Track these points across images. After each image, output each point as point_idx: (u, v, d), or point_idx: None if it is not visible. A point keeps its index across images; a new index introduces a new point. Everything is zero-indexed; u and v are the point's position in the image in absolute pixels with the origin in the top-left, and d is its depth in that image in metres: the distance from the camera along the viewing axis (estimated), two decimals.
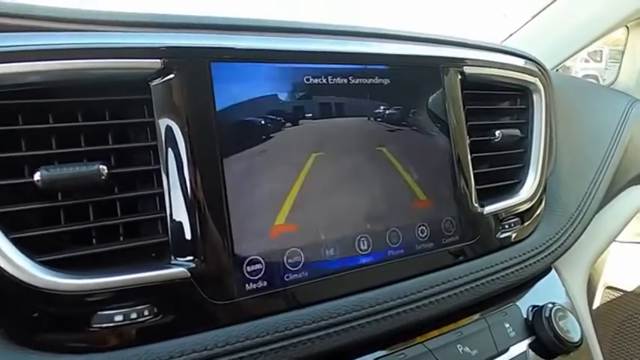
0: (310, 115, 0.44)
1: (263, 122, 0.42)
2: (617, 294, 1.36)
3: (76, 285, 0.34)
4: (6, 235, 0.33)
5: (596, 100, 0.93)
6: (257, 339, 0.38)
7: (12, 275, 0.32)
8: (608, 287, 1.37)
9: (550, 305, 0.52)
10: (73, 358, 0.33)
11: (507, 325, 0.51)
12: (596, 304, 1.40)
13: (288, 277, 0.41)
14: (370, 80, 0.48)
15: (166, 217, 0.38)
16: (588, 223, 0.66)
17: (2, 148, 0.34)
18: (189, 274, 0.37)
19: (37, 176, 0.34)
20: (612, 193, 0.82)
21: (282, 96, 0.43)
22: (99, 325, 0.34)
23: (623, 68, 1.25)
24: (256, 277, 0.40)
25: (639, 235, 1.31)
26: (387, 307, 0.44)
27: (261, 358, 0.38)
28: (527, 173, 0.60)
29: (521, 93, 0.63)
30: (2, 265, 0.32)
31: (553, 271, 0.63)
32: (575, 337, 0.50)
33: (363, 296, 0.44)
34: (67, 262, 0.35)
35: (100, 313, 0.34)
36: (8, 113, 0.35)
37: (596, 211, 0.70)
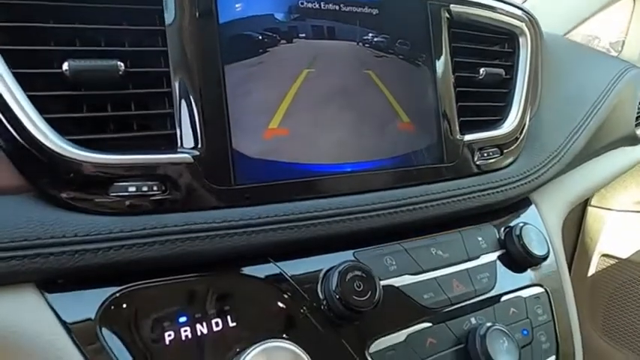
0: (304, 35, 0.50)
1: (261, 37, 0.47)
2: (612, 261, 1.39)
3: (100, 158, 0.40)
4: (41, 114, 0.39)
5: (591, 61, 0.97)
6: (250, 220, 0.44)
7: (47, 147, 0.38)
8: (604, 255, 1.41)
9: (521, 224, 0.57)
10: (94, 218, 0.39)
11: (480, 239, 0.56)
12: (591, 271, 1.44)
13: (278, 174, 0.47)
14: (360, 9, 0.53)
15: (174, 113, 0.44)
16: (568, 165, 0.71)
17: (35, 42, 0.40)
18: (192, 160, 0.43)
19: (65, 66, 0.40)
20: (597, 147, 0.86)
21: (279, 16, 0.48)
22: (116, 194, 0.40)
23: (629, 39, 1.27)
24: (250, 170, 0.45)
25: (637, 203, 1.34)
26: (367, 209, 0.49)
27: (253, 236, 0.44)
28: (510, 111, 0.65)
29: (508, 37, 0.67)
30: (39, 138, 0.38)
31: (532, 204, 0.68)
32: (542, 251, 0.55)
33: (344, 199, 0.49)
34: (90, 143, 0.41)
35: (116, 183, 0.40)
36: (38, 12, 0.41)
37: (578, 157, 0.75)
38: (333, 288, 0.43)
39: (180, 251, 0.41)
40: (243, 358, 0.35)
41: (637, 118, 1.02)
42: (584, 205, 1.45)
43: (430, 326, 0.47)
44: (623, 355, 1.31)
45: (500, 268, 0.55)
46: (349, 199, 0.49)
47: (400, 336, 0.45)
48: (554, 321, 0.53)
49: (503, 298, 0.52)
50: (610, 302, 1.35)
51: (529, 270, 0.57)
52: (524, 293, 0.54)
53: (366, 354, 0.42)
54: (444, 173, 0.56)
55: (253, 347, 0.36)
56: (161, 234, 0.40)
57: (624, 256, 1.35)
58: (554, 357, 0.51)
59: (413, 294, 0.48)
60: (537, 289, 0.55)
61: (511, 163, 0.63)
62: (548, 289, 0.56)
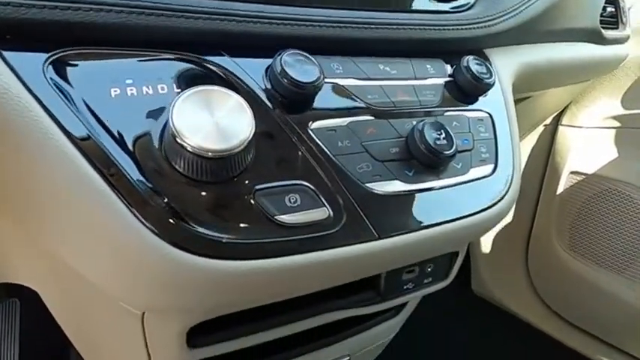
0: None
1: None
2: (580, 178, 1.44)
3: None
4: None
5: None
6: (198, 7, 0.45)
7: None
8: (572, 172, 1.45)
9: (470, 56, 0.59)
10: None
11: (429, 66, 0.58)
12: (559, 190, 1.48)
13: None
14: None
15: None
16: (525, 27, 0.73)
17: None
18: None
19: None
20: (558, 27, 0.88)
21: None
22: None
23: None
24: None
25: (606, 119, 1.37)
26: (314, 20, 0.50)
27: (199, 22, 0.45)
28: None
29: None
30: None
31: (486, 59, 0.70)
32: (490, 79, 0.57)
33: (292, 8, 0.50)
34: None
35: None
36: None
37: (537, 25, 0.76)
38: (278, 70, 0.45)
39: (124, 22, 0.42)
40: (183, 94, 0.38)
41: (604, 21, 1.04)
42: (554, 125, 1.48)
43: (372, 119, 0.49)
44: (589, 268, 1.36)
45: (446, 91, 0.57)
46: (298, 9, 0.51)
47: (342, 122, 0.47)
48: (495, 139, 0.56)
49: (447, 113, 0.55)
50: (577, 218, 1.40)
51: (475, 98, 0.59)
52: (469, 114, 0.57)
53: (308, 129, 0.45)
54: (392, 3, 0.58)
55: (194, 88, 0.38)
56: (105, 3, 0.41)
57: (591, 171, 1.39)
58: (492, 165, 0.54)
59: (357, 93, 0.50)
60: (481, 114, 0.58)
61: (465, 10, 0.65)
62: (492, 115, 0.58)
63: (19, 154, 0.38)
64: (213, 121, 0.37)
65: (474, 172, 0.52)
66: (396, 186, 0.46)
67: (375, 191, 0.45)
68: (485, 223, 0.51)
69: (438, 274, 0.61)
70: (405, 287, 0.58)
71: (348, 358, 0.65)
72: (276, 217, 0.39)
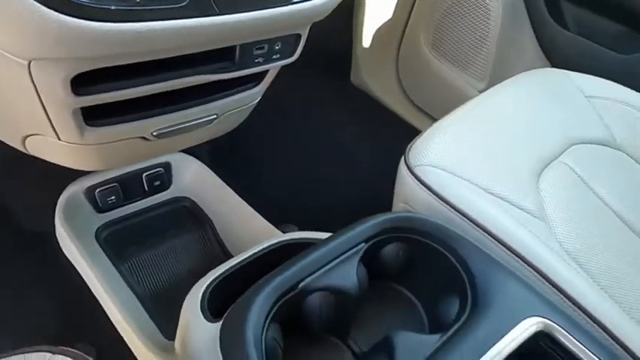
0: None
1: None
2: None
3: None
4: None
5: None
6: None
7: None
8: None
9: None
10: None
11: None
12: None
13: None
14: None
15: None
16: None
17: None
18: None
19: None
20: None
21: None
22: None
23: None
24: None
25: None
26: None
27: None
28: None
29: None
30: None
31: None
32: None
33: None
34: None
35: None
36: None
37: None
38: None
39: None
40: None
41: None
42: None
43: None
44: (444, 65, 1.55)
45: None
46: None
47: None
48: None
49: None
50: (442, 18, 1.49)
51: None
52: None
53: None
54: None
55: None
56: None
57: None
58: None
59: None
60: None
61: None
62: None
63: None
64: None
65: None
66: None
67: None
68: (310, 12, 0.64)
69: (285, 53, 0.76)
70: (256, 60, 0.74)
71: (215, 116, 0.83)
72: None
